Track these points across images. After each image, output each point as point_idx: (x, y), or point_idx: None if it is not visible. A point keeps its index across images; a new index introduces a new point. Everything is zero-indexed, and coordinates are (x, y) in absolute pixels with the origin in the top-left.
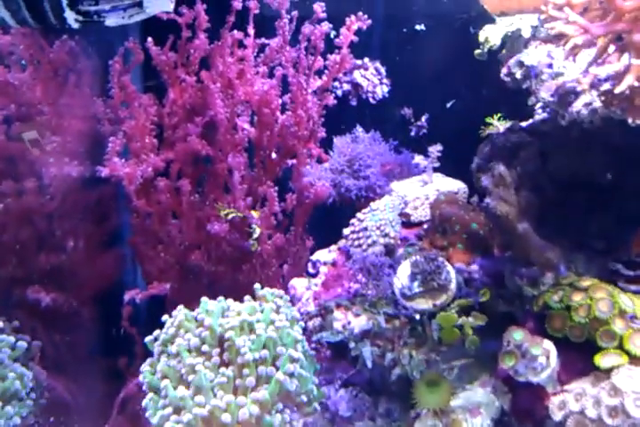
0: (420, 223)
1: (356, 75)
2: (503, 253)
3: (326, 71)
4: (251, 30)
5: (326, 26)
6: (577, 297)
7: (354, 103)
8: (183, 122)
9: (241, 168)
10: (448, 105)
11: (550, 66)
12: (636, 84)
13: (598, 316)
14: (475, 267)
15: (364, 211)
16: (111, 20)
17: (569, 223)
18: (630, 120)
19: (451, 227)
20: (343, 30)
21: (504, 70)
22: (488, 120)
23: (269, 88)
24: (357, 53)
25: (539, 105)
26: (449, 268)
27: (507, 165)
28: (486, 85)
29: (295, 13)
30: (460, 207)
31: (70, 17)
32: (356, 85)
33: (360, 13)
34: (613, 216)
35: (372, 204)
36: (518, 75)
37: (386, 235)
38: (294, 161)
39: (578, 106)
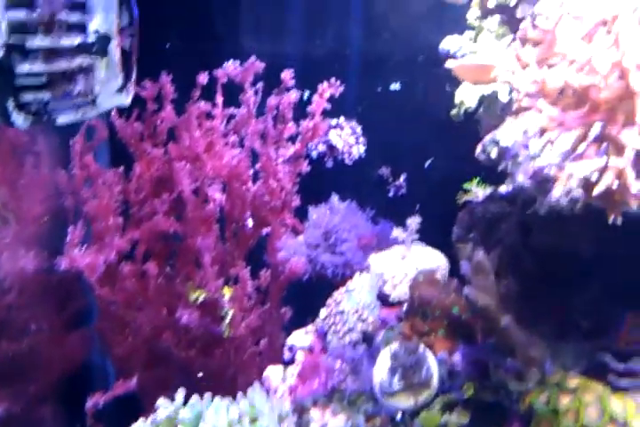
0: (399, 302)
1: (332, 135)
2: (487, 341)
3: (299, 137)
4: (219, 99)
5: (294, 94)
6: (564, 399)
7: (330, 165)
8: (150, 197)
9: (212, 249)
10: (427, 164)
11: (527, 146)
12: (616, 183)
13: (587, 424)
14: (458, 356)
15: (340, 291)
16: (63, 119)
17: (553, 301)
18: (611, 218)
19: (431, 311)
20: (315, 97)
21: (479, 147)
22: (466, 186)
23: (238, 162)
24: (333, 112)
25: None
26: (430, 360)
27: (486, 237)
28: (464, 143)
29: (260, 85)
30: (440, 289)
31: (18, 118)
32: (331, 146)
33: (332, 79)
34: (600, 292)
35: (348, 283)
36: (494, 154)
37: (363, 321)
38: (269, 229)
39: (557, 194)
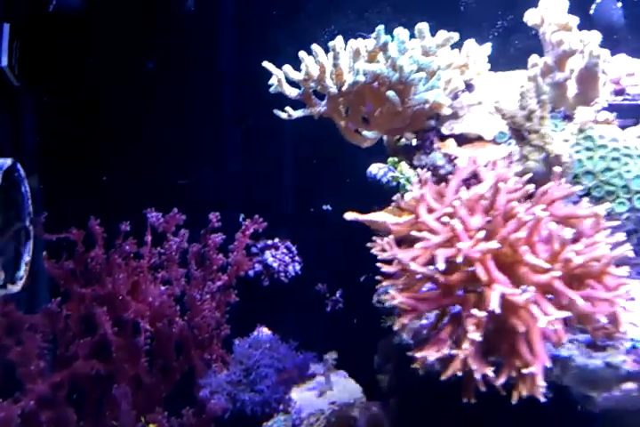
0: None
1: (267, 255)
2: None
3: (228, 269)
4: (148, 238)
5: (219, 237)
6: None
7: (266, 283)
8: (78, 336)
9: (129, 398)
10: (362, 279)
11: None
12: (459, 373)
13: None
14: None
15: None
16: None
17: None
18: (465, 399)
19: None
20: (238, 235)
21: (375, 296)
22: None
23: (161, 302)
24: (268, 233)
25: None
26: None
27: (399, 370)
28: None
29: (183, 232)
30: None
31: None
32: (267, 266)
33: (256, 216)
34: None
35: (265, 424)
36: (387, 303)
37: None
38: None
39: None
